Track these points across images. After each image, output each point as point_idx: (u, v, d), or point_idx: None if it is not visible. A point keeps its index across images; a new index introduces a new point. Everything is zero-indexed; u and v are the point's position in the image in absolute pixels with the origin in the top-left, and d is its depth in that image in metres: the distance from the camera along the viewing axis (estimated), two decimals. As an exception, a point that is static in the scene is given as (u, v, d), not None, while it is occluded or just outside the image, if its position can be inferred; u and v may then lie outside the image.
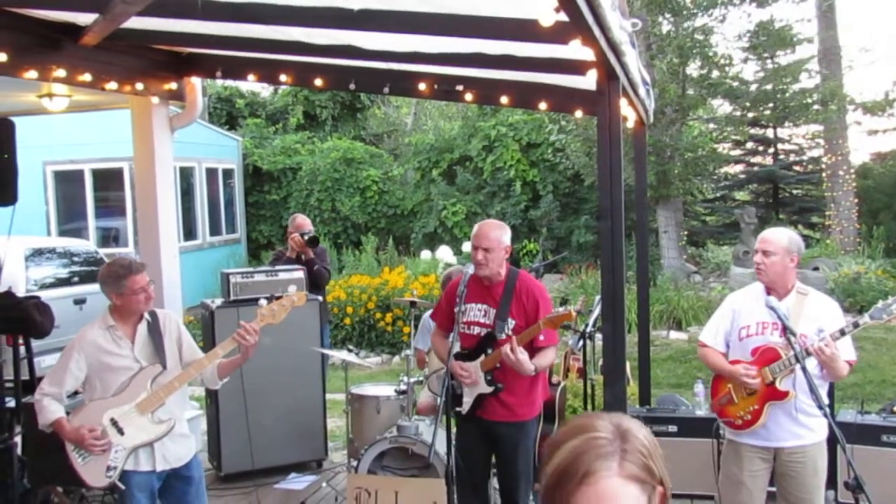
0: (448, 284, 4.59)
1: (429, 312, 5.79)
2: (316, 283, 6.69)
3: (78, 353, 3.73)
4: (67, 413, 3.75)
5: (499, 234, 4.12)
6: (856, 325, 3.70)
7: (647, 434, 1.44)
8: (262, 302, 3.97)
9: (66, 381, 3.72)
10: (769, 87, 15.37)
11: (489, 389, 4.12)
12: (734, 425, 3.92)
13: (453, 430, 4.06)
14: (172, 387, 3.77)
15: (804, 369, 3.50)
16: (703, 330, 4.20)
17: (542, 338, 4.07)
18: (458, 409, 4.18)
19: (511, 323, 4.10)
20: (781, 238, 3.86)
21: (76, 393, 3.91)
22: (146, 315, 3.88)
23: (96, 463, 3.67)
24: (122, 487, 3.71)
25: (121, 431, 3.70)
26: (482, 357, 4.13)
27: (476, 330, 4.17)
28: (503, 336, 4.06)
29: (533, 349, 4.04)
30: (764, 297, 3.82)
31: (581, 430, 1.42)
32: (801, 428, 3.81)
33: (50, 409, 3.68)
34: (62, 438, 3.67)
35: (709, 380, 4.25)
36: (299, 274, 6.16)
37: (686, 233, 16.33)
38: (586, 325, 5.44)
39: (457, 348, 4.17)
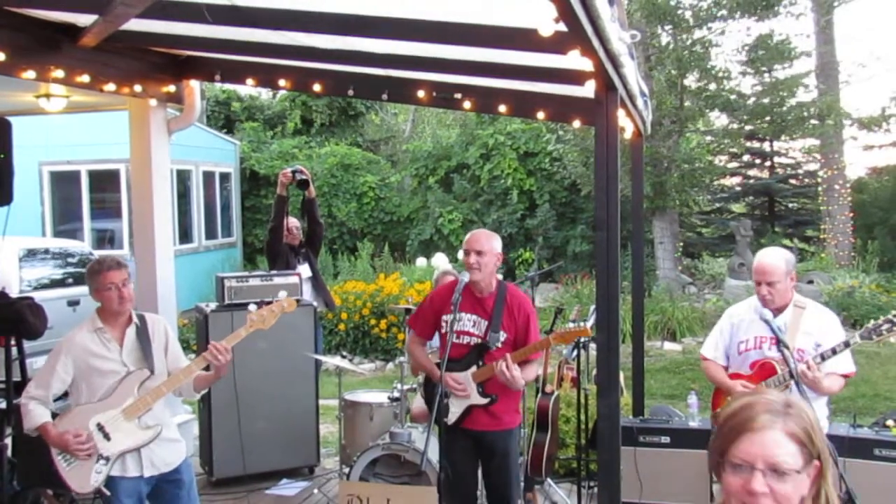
0: (433, 291, 4.58)
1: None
2: (314, 231, 7.10)
3: (65, 355, 3.69)
4: (55, 416, 3.71)
5: (490, 239, 4.14)
6: (847, 345, 3.72)
7: (813, 413, 1.66)
8: (252, 307, 3.93)
9: (52, 384, 3.68)
10: (766, 100, 15.43)
11: (483, 401, 4.11)
12: None
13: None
14: (160, 392, 3.72)
15: (797, 383, 3.51)
16: (704, 344, 4.25)
17: None
18: (444, 419, 4.17)
19: (503, 335, 4.10)
20: (780, 264, 3.86)
21: (66, 394, 3.88)
22: (135, 319, 3.84)
23: (81, 468, 3.63)
24: (108, 493, 3.67)
25: (107, 437, 3.66)
26: (473, 368, 4.12)
27: (466, 340, 4.15)
28: (496, 348, 4.07)
29: (520, 363, 4.05)
30: (760, 310, 3.83)
31: (754, 393, 1.69)
32: None
33: (36, 412, 3.64)
34: (48, 443, 3.64)
35: (702, 391, 4.27)
36: (294, 279, 6.16)
37: (682, 244, 16.36)
38: (588, 337, 5.43)
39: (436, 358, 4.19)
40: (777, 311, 3.86)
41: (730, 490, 1.62)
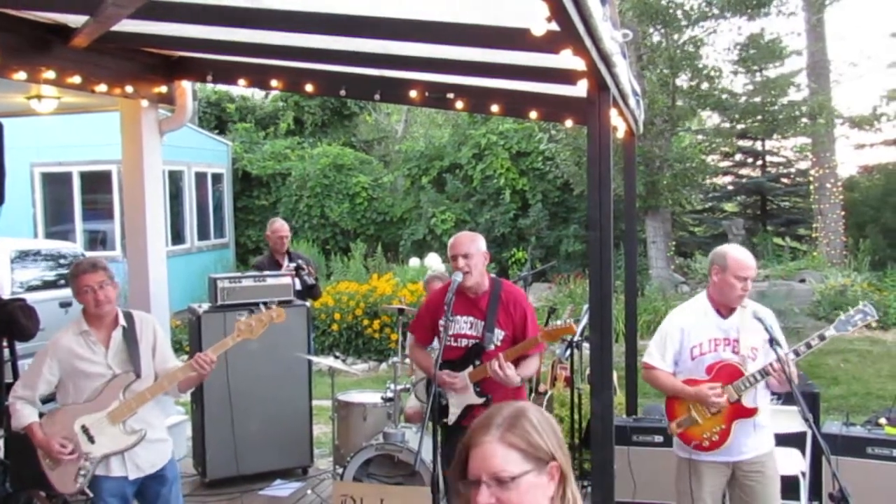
0: (428, 296, 4.58)
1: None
2: (313, 295, 7.08)
3: (51, 358, 3.69)
4: (42, 416, 3.72)
5: (475, 241, 4.16)
6: (822, 338, 3.70)
7: (543, 417, 1.71)
8: (241, 316, 3.91)
9: (38, 386, 3.69)
10: (758, 99, 15.48)
11: (479, 400, 4.11)
12: (702, 447, 3.82)
13: (439, 439, 4.05)
14: (144, 397, 3.71)
15: (791, 382, 3.51)
16: (647, 351, 4.07)
17: None
18: (444, 419, 4.17)
19: (500, 334, 4.10)
20: (754, 260, 3.85)
21: (55, 396, 3.87)
22: (122, 320, 3.81)
23: (65, 469, 3.64)
24: (90, 495, 3.67)
25: (91, 440, 3.66)
26: (469, 368, 4.12)
27: (463, 342, 4.16)
28: (492, 347, 4.06)
29: (518, 358, 4.05)
30: (753, 312, 3.80)
31: (486, 414, 1.74)
32: (758, 439, 3.83)
33: (23, 413, 3.66)
34: (34, 443, 3.65)
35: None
36: (286, 280, 6.14)
37: (674, 243, 16.39)
38: (574, 335, 5.44)
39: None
40: (731, 311, 3.83)
41: None
